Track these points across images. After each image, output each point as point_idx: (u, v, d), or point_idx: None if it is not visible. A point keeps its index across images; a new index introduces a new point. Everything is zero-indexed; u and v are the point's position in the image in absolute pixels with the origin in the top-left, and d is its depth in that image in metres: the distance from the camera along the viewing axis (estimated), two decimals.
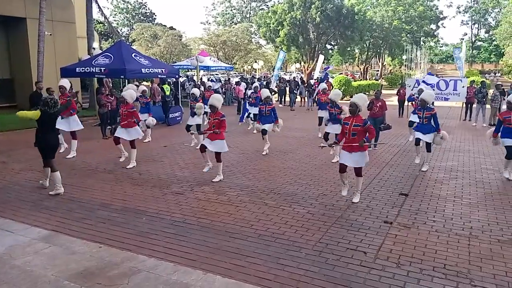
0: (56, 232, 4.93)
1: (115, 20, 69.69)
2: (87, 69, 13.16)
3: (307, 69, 38.04)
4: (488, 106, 14.56)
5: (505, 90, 15.45)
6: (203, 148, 7.10)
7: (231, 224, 5.18)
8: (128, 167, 8.07)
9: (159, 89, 14.88)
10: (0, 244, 4.55)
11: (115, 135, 8.41)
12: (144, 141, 10.89)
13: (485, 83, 15.94)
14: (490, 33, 62.73)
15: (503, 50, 45.63)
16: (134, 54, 13.87)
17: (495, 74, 48.30)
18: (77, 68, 13.41)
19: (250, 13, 68.11)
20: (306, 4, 34.95)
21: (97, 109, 12.59)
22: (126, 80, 13.65)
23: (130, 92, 8.56)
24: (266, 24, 37.96)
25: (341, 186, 6.34)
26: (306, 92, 21.69)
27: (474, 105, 15.31)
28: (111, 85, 15.49)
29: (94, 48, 18.35)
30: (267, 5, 66.13)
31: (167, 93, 15.21)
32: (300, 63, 41.30)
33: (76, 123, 9.13)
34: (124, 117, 8.29)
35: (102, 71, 12.92)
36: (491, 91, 14.94)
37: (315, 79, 25.19)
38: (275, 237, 4.80)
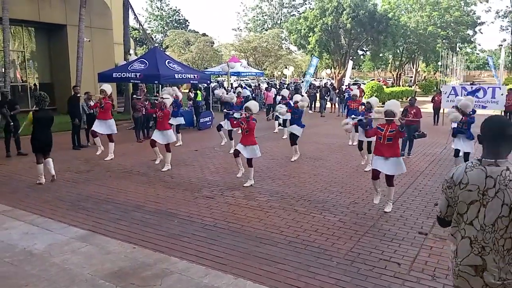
0: (92, 232, 5.09)
1: (149, 27, 71.78)
2: (123, 74, 13.58)
3: (338, 75, 37.68)
4: None
5: None
6: (237, 153, 7.21)
7: (261, 230, 5.18)
8: (163, 170, 8.25)
9: (190, 94, 15.22)
10: (40, 242, 4.74)
11: (152, 138, 8.63)
12: (176, 145, 11.10)
13: None
14: None
15: None
16: (167, 60, 14.20)
17: None
18: (113, 74, 13.86)
19: (281, 19, 68.29)
20: (338, 10, 34.69)
21: (131, 113, 12.96)
22: (160, 85, 13.99)
23: (169, 97, 8.82)
24: (297, 30, 37.94)
25: (374, 194, 6.22)
26: (337, 98, 21.46)
27: None
28: (145, 90, 15.93)
29: (130, 54, 18.97)
30: (298, 11, 66.11)
31: (199, 98, 15.46)
32: (331, 69, 40.94)
33: (112, 126, 9.45)
34: (160, 120, 8.49)
35: (138, 76, 13.30)
36: None
37: (346, 85, 24.95)
38: (305, 244, 4.76)
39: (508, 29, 66.43)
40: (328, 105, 22.11)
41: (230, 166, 8.51)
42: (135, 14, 20.04)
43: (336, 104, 21.61)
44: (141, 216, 5.68)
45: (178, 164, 8.85)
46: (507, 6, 64.89)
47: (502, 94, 14.44)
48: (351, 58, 36.18)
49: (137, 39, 46.40)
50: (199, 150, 10.67)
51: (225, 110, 10.85)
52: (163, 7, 71.51)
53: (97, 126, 9.33)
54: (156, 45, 60.29)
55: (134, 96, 13.14)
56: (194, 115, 14.84)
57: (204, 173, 8.18)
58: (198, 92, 15.79)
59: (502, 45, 60.15)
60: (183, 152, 10.31)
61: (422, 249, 4.68)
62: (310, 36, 36.20)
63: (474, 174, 2.14)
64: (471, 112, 7.89)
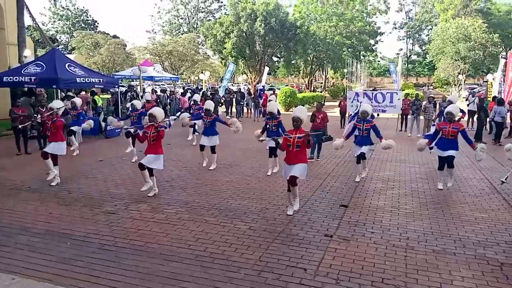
0: None
1: (53, 28, 66.25)
2: (16, 78, 12.19)
3: (254, 81, 38.37)
4: (421, 117, 15.41)
5: (437, 102, 16.52)
6: (142, 166, 6.71)
7: (167, 246, 4.86)
8: (52, 184, 7.44)
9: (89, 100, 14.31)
10: None
11: (43, 150, 7.73)
12: (73, 154, 10.22)
13: (418, 96, 16.99)
14: (424, 48, 67.46)
15: (435, 65, 49.12)
16: (68, 63, 13.05)
17: (428, 87, 51.83)
18: (4, 77, 12.36)
19: (197, 24, 67.76)
20: (252, 17, 35.39)
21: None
22: (59, 90, 12.80)
23: (61, 104, 7.98)
24: (212, 35, 37.88)
25: (288, 206, 6.16)
26: (253, 103, 21.74)
27: (409, 117, 16.13)
28: (46, 95, 14.49)
29: (25, 56, 17.11)
30: (214, 17, 66.24)
31: (99, 104, 14.55)
32: (247, 75, 41.56)
33: None
34: (53, 131, 7.64)
35: (33, 80, 12.03)
36: (424, 103, 15.83)
37: (260, 88, 25.50)
38: (213, 258, 4.56)
39: (404, 39, 74.13)
40: (245, 110, 22.32)
41: (138, 177, 7.97)
42: (30, 13, 18.14)
43: (252, 109, 21.88)
44: (28, 239, 4.99)
45: (78, 177, 8.08)
46: (403, 18, 72.42)
47: (399, 99, 15.80)
48: (266, 64, 37.12)
49: (39, 40, 42.37)
50: (105, 160, 9.90)
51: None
52: (68, 6, 66.52)
53: None
54: (61, 47, 55.82)
55: (19, 103, 11.56)
56: (100, 122, 13.85)
57: (107, 185, 7.55)
58: (97, 97, 14.86)
59: (399, 54, 66.84)
60: (86, 163, 9.48)
61: (327, 251, 4.77)
62: (226, 42, 36.39)
63: None
64: (370, 119, 8.38)
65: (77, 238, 5.06)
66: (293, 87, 37.80)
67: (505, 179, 7.01)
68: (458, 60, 40.81)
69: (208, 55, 47.87)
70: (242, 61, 39.44)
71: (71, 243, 4.89)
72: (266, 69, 30.84)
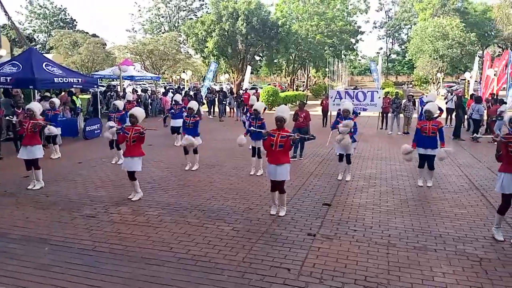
0: None
1: (30, 26, 64.65)
2: None
3: (237, 80, 38.27)
4: (401, 115, 15.64)
5: (416, 100, 16.82)
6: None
7: (148, 249, 4.77)
8: (34, 188, 7.23)
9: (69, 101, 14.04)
10: None
11: (18, 156, 7.46)
12: (53, 157, 9.97)
13: (398, 94, 17.25)
14: (403, 47, 68.54)
15: (414, 63, 50.00)
16: (45, 63, 12.70)
17: (407, 85, 52.70)
18: None
19: (178, 22, 67.13)
20: (234, 16, 35.28)
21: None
22: (36, 91, 12.47)
23: (37, 104, 7.74)
24: (194, 34, 37.59)
25: (271, 204, 6.16)
26: (235, 102, 21.66)
27: (390, 115, 16.36)
28: (22, 96, 14.09)
29: (1, 56, 16.68)
30: (196, 15, 65.76)
31: (77, 104, 14.30)
32: (229, 74, 41.43)
33: None
34: (29, 134, 7.37)
35: (8, 80, 11.66)
36: (403, 101, 16.08)
37: (243, 90, 25.38)
38: (196, 260, 4.50)
39: (384, 38, 75.16)
40: (227, 109, 22.23)
41: (118, 179, 7.86)
42: (5, 11, 17.66)
43: (235, 109, 21.81)
44: (4, 246, 4.83)
45: (56, 180, 7.87)
46: (383, 18, 73.40)
47: (379, 97, 16.01)
48: (249, 63, 37.06)
49: (15, 39, 41.21)
50: (84, 162, 9.69)
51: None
52: (46, 5, 64.95)
53: None
54: (39, 46, 54.47)
55: None
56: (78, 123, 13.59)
57: (87, 188, 7.38)
58: (75, 98, 14.59)
59: (379, 53, 67.72)
60: (65, 166, 9.26)
61: (311, 251, 4.77)
62: (208, 41, 36.17)
63: None
64: (351, 116, 8.42)
65: (55, 243, 4.92)
66: (275, 86, 37.88)
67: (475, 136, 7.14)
68: (436, 58, 41.59)
69: (190, 54, 47.47)
70: (224, 60, 39.30)
71: (49, 249, 4.75)
72: (249, 68, 30.77)
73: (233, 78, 39.97)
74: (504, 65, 18.74)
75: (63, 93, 15.35)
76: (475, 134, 8.85)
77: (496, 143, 5.18)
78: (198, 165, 9.06)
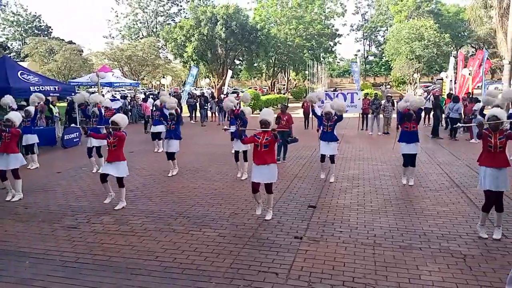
0: None
1: (3, 34, 62.92)
2: None
3: (217, 84, 38.16)
4: (381, 116, 15.88)
5: (395, 100, 17.11)
6: (104, 178, 6.45)
7: (133, 259, 4.67)
8: (12, 200, 7.00)
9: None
10: None
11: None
12: (31, 168, 9.70)
13: (377, 95, 17.53)
14: (380, 49, 69.81)
15: (391, 65, 50.94)
16: (20, 71, 12.39)
17: (385, 86, 53.64)
18: None
19: (156, 28, 66.58)
20: (212, 20, 35.23)
21: None
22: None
23: (17, 113, 7.50)
24: (173, 39, 37.33)
25: (255, 206, 6.16)
26: (217, 107, 21.58)
27: (369, 116, 16.59)
28: None
29: None
30: (174, 20, 65.38)
31: (54, 113, 14.01)
32: (210, 79, 41.27)
33: None
34: (7, 142, 7.13)
35: None
36: (383, 102, 16.34)
37: (225, 94, 25.33)
38: (182, 268, 4.43)
39: (361, 40, 76.42)
40: (209, 114, 22.12)
41: (99, 188, 7.65)
42: None
43: (216, 113, 21.72)
44: None
45: (35, 191, 7.64)
46: (359, 21, 74.62)
47: (359, 99, 16.24)
48: (229, 67, 37.02)
49: None
50: (63, 171, 9.45)
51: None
52: (19, 12, 63.41)
53: None
54: (13, 54, 53.08)
55: None
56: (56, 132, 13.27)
57: (67, 198, 7.19)
58: (51, 106, 14.30)
59: (357, 55, 68.79)
60: (43, 176, 9.01)
61: (298, 254, 4.76)
62: (187, 46, 35.98)
63: None
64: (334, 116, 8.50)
65: (36, 256, 4.76)
66: (256, 89, 37.93)
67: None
68: (413, 59, 42.49)
69: (169, 60, 47.08)
70: (204, 65, 39.15)
71: (30, 262, 4.60)
72: (230, 72, 30.74)
73: (214, 82, 39.84)
74: (478, 64, 19.30)
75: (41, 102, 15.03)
76: (459, 130, 9.09)
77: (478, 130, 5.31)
78: (177, 168, 9.00)
